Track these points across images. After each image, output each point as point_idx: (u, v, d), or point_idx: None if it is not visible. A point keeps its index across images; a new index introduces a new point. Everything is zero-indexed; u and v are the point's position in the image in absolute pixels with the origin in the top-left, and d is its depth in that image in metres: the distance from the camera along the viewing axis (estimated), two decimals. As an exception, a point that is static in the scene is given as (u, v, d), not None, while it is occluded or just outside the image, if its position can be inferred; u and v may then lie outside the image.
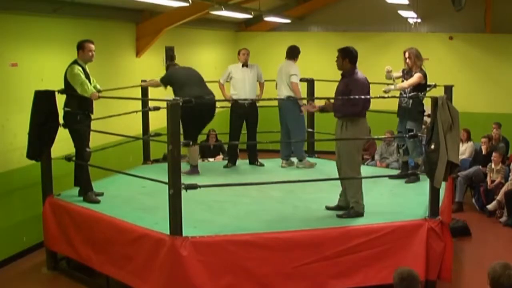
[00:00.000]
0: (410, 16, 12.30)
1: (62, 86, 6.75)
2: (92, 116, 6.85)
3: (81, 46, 6.64)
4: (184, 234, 5.40)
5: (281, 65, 8.58)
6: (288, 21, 13.56)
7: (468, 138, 10.46)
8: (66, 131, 6.77)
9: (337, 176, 6.38)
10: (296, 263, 5.55)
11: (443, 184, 6.11)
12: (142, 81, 8.40)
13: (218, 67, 12.60)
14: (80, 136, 6.70)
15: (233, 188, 6.94)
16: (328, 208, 6.39)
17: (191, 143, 7.29)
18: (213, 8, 9.07)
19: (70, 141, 6.79)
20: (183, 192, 5.41)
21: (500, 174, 9.29)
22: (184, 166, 7.11)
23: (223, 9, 9.14)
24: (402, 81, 7.50)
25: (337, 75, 9.36)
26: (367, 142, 10.42)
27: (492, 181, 9.30)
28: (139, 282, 5.71)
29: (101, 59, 8.30)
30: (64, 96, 6.72)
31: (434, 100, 5.82)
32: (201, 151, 10.61)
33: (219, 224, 5.96)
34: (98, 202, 6.68)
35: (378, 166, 10.29)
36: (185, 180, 5.65)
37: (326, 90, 8.88)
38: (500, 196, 8.96)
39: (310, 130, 9.00)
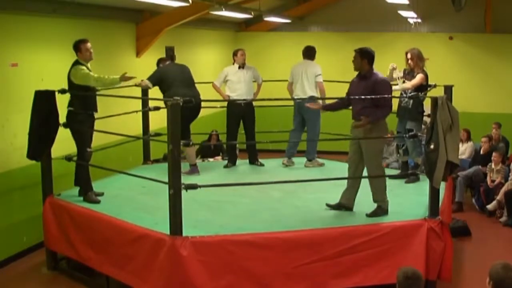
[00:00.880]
0: (410, 16, 12.30)
1: (62, 86, 6.75)
2: (95, 115, 6.85)
3: (77, 48, 6.62)
4: (184, 234, 5.40)
5: (301, 65, 8.62)
6: (288, 21, 13.56)
7: (468, 138, 10.46)
8: (66, 131, 6.77)
9: (337, 176, 6.38)
10: (296, 263, 5.55)
11: (443, 184, 6.12)
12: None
13: (218, 67, 12.57)
14: (82, 136, 6.70)
15: (233, 188, 6.94)
16: (328, 205, 6.40)
17: (191, 142, 7.29)
18: (213, 8, 9.07)
19: (70, 141, 6.79)
20: (183, 192, 5.41)
21: (500, 174, 9.29)
22: (184, 166, 7.11)
23: (223, 9, 9.15)
24: (404, 81, 7.51)
25: (337, 75, 9.43)
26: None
27: (492, 181, 9.31)
28: (139, 282, 5.71)
29: (101, 59, 8.30)
30: (65, 96, 6.73)
31: (434, 100, 5.82)
32: (202, 151, 10.63)
33: (219, 224, 5.97)
34: (98, 202, 6.68)
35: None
36: (185, 180, 5.65)
37: (327, 89, 8.91)
38: (500, 196, 8.96)
39: None
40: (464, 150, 10.29)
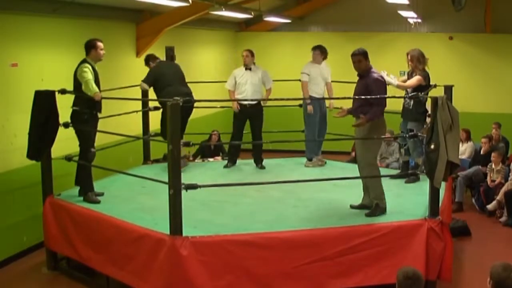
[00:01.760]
0: (410, 16, 12.30)
1: (63, 86, 6.76)
2: (99, 115, 6.85)
3: (94, 45, 6.63)
4: (184, 234, 5.40)
5: (320, 66, 8.69)
6: (288, 21, 13.56)
7: (468, 138, 10.45)
8: (66, 131, 6.77)
9: (337, 176, 6.38)
10: (296, 263, 5.55)
11: (443, 184, 6.12)
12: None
13: (218, 67, 12.63)
14: (86, 136, 6.70)
15: (233, 188, 6.95)
16: (352, 206, 6.44)
17: (191, 143, 7.28)
18: (213, 8, 9.07)
19: (70, 141, 6.79)
20: (183, 192, 5.41)
21: (500, 174, 9.28)
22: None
23: (223, 9, 9.15)
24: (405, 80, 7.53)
25: (337, 75, 9.40)
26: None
27: (492, 181, 9.30)
28: (139, 282, 5.71)
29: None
30: (65, 96, 6.73)
31: (434, 100, 5.82)
32: (202, 151, 10.62)
33: (219, 224, 5.97)
34: (98, 202, 6.68)
35: (378, 166, 10.27)
36: (185, 180, 5.65)
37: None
38: (500, 196, 8.96)
39: None
40: (464, 150, 10.29)
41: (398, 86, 7.26)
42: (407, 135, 7.31)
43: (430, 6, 12.84)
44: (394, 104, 7.69)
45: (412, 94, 7.15)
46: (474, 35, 12.94)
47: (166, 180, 5.43)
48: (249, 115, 8.59)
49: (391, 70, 7.61)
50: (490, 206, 9.09)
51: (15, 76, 7.26)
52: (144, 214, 6.22)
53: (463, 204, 9.50)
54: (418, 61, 7.33)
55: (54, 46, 7.88)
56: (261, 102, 8.57)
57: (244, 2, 10.88)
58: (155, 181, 6.02)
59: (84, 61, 6.60)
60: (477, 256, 7.47)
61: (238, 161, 8.92)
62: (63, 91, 6.74)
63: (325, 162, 8.84)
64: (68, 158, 6.94)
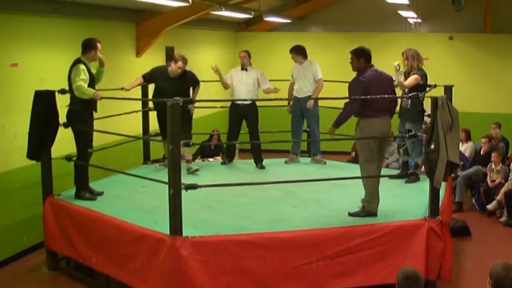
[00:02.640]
0: (410, 16, 12.30)
1: (63, 86, 6.76)
2: (95, 115, 6.85)
3: (94, 46, 6.64)
4: (184, 234, 5.40)
5: (304, 65, 8.72)
6: (288, 21, 13.56)
7: (468, 138, 10.44)
8: (66, 131, 6.77)
9: (337, 176, 6.37)
10: (296, 263, 5.55)
11: (443, 184, 6.11)
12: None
13: (218, 67, 12.59)
14: (84, 136, 6.70)
15: (233, 188, 6.94)
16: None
17: (191, 142, 7.29)
18: (213, 8, 9.07)
19: (70, 141, 6.79)
20: (183, 192, 5.41)
21: (500, 174, 9.28)
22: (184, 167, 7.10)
23: (223, 9, 9.14)
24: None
25: (337, 75, 9.40)
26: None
27: (492, 181, 9.31)
28: (139, 282, 5.71)
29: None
30: (65, 96, 6.73)
31: (434, 100, 5.81)
32: (202, 151, 10.63)
33: (219, 224, 5.97)
34: (93, 199, 6.72)
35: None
36: (185, 180, 5.65)
37: (326, 89, 8.92)
38: (500, 196, 8.96)
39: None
40: (464, 150, 10.29)
41: (400, 84, 7.26)
42: (406, 135, 7.31)
43: (430, 6, 12.83)
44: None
45: (412, 94, 7.14)
46: (474, 35, 12.94)
47: (166, 180, 5.43)
48: (244, 114, 8.63)
49: (391, 70, 7.60)
50: (490, 206, 9.10)
51: (15, 76, 7.25)
52: (144, 214, 6.22)
53: (463, 204, 9.50)
54: (413, 59, 7.34)
55: (54, 46, 7.88)
56: (256, 102, 8.63)
57: (244, 2, 10.87)
58: (155, 181, 6.02)
59: (78, 61, 6.57)
60: (477, 256, 7.47)
61: (238, 161, 8.92)
62: (63, 91, 6.74)
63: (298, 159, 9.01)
64: (68, 158, 6.94)
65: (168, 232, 5.42)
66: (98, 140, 7.21)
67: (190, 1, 8.23)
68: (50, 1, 7.60)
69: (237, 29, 14.17)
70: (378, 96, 6.06)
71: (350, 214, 6.13)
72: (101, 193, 6.92)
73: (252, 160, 8.76)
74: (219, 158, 10.46)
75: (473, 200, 9.63)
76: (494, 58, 12.92)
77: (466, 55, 13.11)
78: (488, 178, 9.40)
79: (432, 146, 5.72)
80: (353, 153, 11.30)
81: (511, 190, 8.80)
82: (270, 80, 9.09)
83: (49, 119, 6.68)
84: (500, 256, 4.65)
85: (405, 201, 6.71)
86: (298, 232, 5.70)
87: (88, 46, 6.64)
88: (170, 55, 11.06)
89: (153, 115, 8.57)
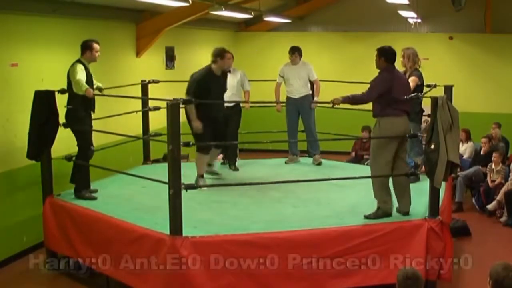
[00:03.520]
0: (410, 16, 12.29)
1: (63, 86, 6.76)
2: (93, 116, 6.86)
3: (90, 47, 6.66)
4: (184, 234, 5.40)
5: (298, 66, 8.72)
6: (288, 21, 13.55)
7: (468, 138, 10.44)
8: (66, 131, 6.77)
9: (337, 176, 6.36)
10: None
11: (443, 184, 6.11)
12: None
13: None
14: (84, 134, 6.71)
15: (233, 188, 6.94)
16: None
17: (190, 143, 7.25)
18: (213, 8, 9.07)
19: (70, 141, 6.79)
20: (183, 192, 5.41)
21: (500, 174, 9.28)
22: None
23: (223, 9, 9.14)
24: None
25: (337, 74, 9.42)
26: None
27: (492, 181, 9.30)
28: (139, 282, 5.71)
29: (101, 59, 8.24)
30: (65, 96, 6.73)
31: (434, 100, 5.81)
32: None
33: (219, 224, 5.97)
34: (94, 198, 6.72)
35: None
36: (185, 180, 5.65)
37: (326, 90, 8.92)
38: (500, 196, 8.96)
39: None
40: (464, 150, 10.29)
41: None
42: (407, 136, 7.30)
43: (430, 6, 12.83)
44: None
45: (413, 94, 7.14)
46: (474, 35, 12.93)
47: (166, 180, 5.43)
48: (227, 116, 8.38)
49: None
50: (490, 206, 9.09)
51: (15, 76, 7.26)
52: (144, 214, 6.22)
53: (463, 204, 9.50)
54: (408, 59, 7.36)
55: (54, 46, 7.88)
56: (241, 105, 8.58)
57: (244, 2, 10.87)
58: (155, 181, 6.02)
59: (77, 61, 6.61)
60: (477, 256, 7.45)
61: (238, 161, 8.92)
62: (63, 91, 6.74)
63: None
64: (68, 158, 6.94)
65: (168, 232, 5.42)
66: (98, 140, 7.21)
67: (190, 1, 8.23)
68: (50, 1, 7.60)
69: (237, 29, 14.16)
70: (377, 96, 6.07)
71: (366, 217, 6.07)
72: (95, 191, 6.93)
73: (252, 161, 8.76)
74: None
75: (473, 200, 9.63)
76: (494, 58, 12.91)
77: (466, 55, 13.10)
78: (488, 178, 9.40)
79: (432, 146, 5.72)
80: (353, 153, 11.31)
81: (511, 190, 8.80)
82: (270, 80, 9.10)
83: (49, 119, 6.69)
84: (500, 256, 4.64)
85: (405, 201, 6.70)
86: (298, 232, 5.70)
87: (85, 47, 6.67)
88: (170, 55, 11.08)
89: (153, 115, 8.57)
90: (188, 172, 6.56)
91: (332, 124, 9.61)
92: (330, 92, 8.17)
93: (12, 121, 7.21)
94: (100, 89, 6.90)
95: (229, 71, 8.37)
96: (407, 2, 10.00)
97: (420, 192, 6.74)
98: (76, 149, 6.85)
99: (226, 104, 8.30)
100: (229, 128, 8.50)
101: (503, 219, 8.79)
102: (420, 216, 5.98)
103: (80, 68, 6.52)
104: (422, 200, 6.33)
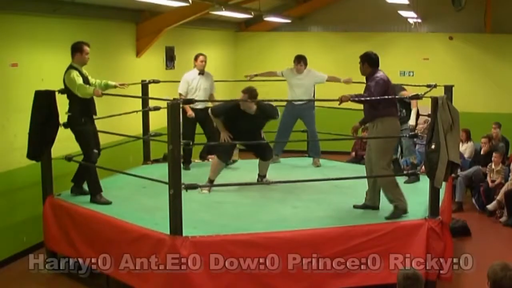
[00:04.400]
0: (410, 16, 12.29)
1: (62, 86, 6.75)
2: (94, 116, 6.84)
3: (79, 49, 6.59)
4: (184, 234, 5.40)
5: (303, 74, 8.71)
6: (288, 21, 13.56)
7: (468, 138, 10.44)
8: (66, 131, 6.77)
9: (337, 176, 6.36)
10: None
11: (443, 184, 6.12)
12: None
13: (218, 67, 12.61)
14: (85, 138, 6.68)
15: (233, 188, 6.94)
16: (355, 206, 6.46)
17: (190, 143, 7.27)
18: (213, 8, 9.07)
19: (70, 141, 6.78)
20: (183, 192, 5.41)
21: (500, 175, 9.28)
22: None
23: (223, 9, 9.14)
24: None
25: (337, 74, 9.40)
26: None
27: (492, 181, 9.30)
28: (139, 282, 5.71)
29: (101, 59, 8.31)
30: (64, 97, 6.72)
31: (435, 100, 5.82)
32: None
33: (219, 224, 5.97)
34: (109, 203, 6.65)
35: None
36: (185, 180, 5.65)
37: (326, 90, 8.93)
38: (500, 196, 8.96)
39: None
40: (464, 150, 10.29)
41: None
42: (406, 135, 7.32)
43: (430, 6, 12.83)
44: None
45: (413, 95, 7.15)
46: (474, 35, 12.93)
47: (166, 180, 5.43)
48: (199, 119, 8.45)
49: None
50: (490, 206, 9.10)
51: (15, 76, 7.25)
52: (144, 214, 6.22)
53: (463, 204, 9.50)
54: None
55: (54, 46, 7.87)
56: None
57: (244, 2, 10.87)
58: (155, 181, 6.02)
59: (70, 67, 6.57)
60: (477, 256, 7.45)
61: (239, 161, 8.94)
62: (63, 91, 6.74)
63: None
64: (68, 158, 6.94)
65: (168, 232, 5.43)
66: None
67: (190, 1, 8.23)
68: (50, 1, 7.60)
69: (237, 29, 14.16)
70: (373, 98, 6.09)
71: (388, 218, 6.08)
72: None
73: (253, 160, 8.75)
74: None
75: (473, 200, 9.63)
76: (494, 58, 12.91)
77: (466, 55, 13.11)
78: (488, 178, 9.40)
79: (433, 146, 5.73)
80: (353, 153, 11.31)
81: (511, 190, 8.80)
82: (269, 80, 9.09)
83: (49, 119, 6.68)
84: (500, 256, 4.62)
85: (405, 201, 6.71)
86: (298, 232, 5.71)
87: (74, 49, 6.61)
88: (170, 55, 11.07)
89: (153, 115, 8.58)
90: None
91: (332, 124, 9.59)
92: (330, 92, 8.18)
93: (12, 121, 7.21)
94: (106, 86, 6.84)
95: (202, 73, 8.43)
96: (407, 2, 10.00)
97: (420, 192, 6.75)
98: (77, 149, 6.84)
99: (199, 107, 8.27)
100: (206, 130, 8.49)
101: (503, 219, 8.79)
102: (420, 216, 5.98)
103: (75, 74, 6.48)
104: (422, 200, 6.33)
